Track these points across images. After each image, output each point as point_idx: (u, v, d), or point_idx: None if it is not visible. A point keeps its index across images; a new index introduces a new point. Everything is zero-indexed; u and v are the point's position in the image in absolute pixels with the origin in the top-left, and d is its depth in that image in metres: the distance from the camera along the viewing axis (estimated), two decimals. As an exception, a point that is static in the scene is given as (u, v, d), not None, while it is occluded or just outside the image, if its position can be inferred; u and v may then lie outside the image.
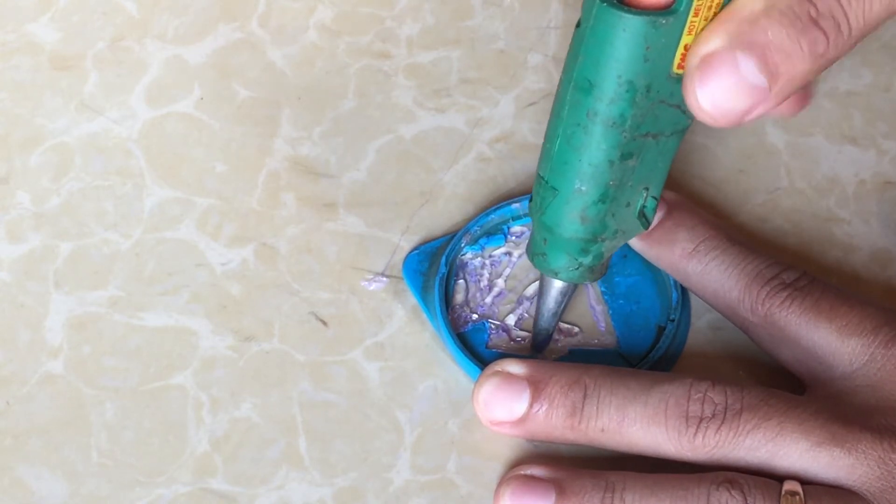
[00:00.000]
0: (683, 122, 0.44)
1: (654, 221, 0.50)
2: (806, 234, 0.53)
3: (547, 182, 0.45)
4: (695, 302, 0.51)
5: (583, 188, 0.44)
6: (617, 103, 0.42)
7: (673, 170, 0.55)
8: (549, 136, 0.45)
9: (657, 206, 0.46)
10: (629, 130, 0.43)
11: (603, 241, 0.46)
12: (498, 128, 0.56)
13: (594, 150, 0.43)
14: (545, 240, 0.47)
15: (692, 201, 0.52)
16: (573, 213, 0.45)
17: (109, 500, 0.47)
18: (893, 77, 0.57)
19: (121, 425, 0.49)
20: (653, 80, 0.41)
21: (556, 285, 0.48)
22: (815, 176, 0.55)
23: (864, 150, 0.55)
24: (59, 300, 0.51)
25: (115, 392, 0.49)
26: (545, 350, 0.50)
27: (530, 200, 0.47)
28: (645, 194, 0.45)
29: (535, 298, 0.50)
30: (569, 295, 0.49)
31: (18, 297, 0.51)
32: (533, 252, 0.48)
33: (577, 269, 0.47)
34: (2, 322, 0.51)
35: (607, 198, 0.45)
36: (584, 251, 0.46)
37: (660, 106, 0.42)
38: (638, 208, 0.46)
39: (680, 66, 0.41)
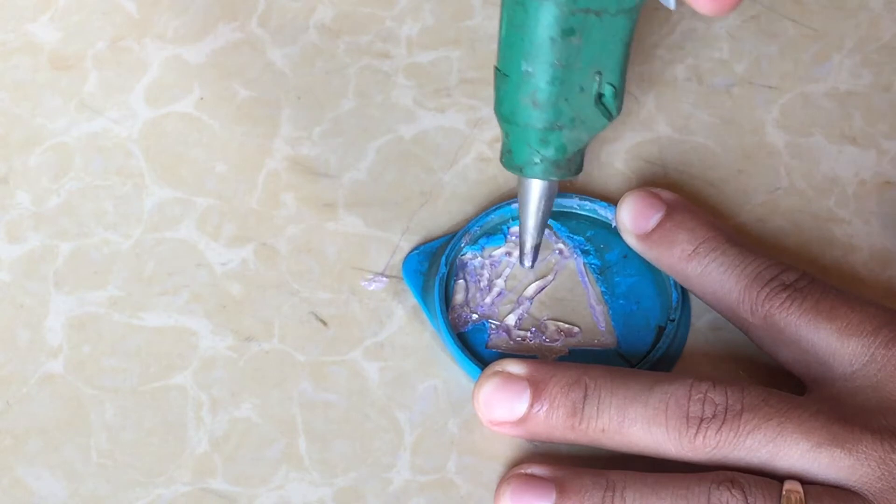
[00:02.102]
0: (627, 0, 0.44)
1: (653, 223, 0.50)
2: (806, 234, 0.53)
3: (499, 70, 0.46)
4: (695, 302, 0.51)
5: (530, 69, 0.45)
6: None
7: (673, 170, 0.55)
8: (499, 23, 0.46)
9: (617, 95, 0.47)
10: (565, 4, 0.44)
11: (560, 129, 0.46)
12: (498, 128, 0.55)
13: (534, 28, 0.44)
14: (507, 134, 0.48)
15: (692, 201, 0.52)
16: (525, 97, 0.46)
17: (109, 500, 0.47)
18: (893, 77, 0.57)
19: (120, 425, 0.49)
20: None
21: (531, 189, 0.48)
22: (815, 176, 0.55)
23: (864, 150, 0.55)
24: (59, 300, 0.51)
25: (114, 392, 0.49)
26: (535, 263, 0.51)
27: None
28: (599, 79, 0.46)
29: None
30: (545, 200, 0.49)
31: (18, 297, 0.51)
32: (501, 153, 0.48)
33: (541, 162, 0.47)
34: (2, 322, 0.51)
35: (556, 80, 0.45)
36: (544, 141, 0.47)
37: None
38: (594, 95, 0.46)
39: None
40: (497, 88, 0.47)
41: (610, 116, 0.46)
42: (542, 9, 0.44)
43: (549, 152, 0.47)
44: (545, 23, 0.44)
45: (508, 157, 0.48)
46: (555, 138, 0.47)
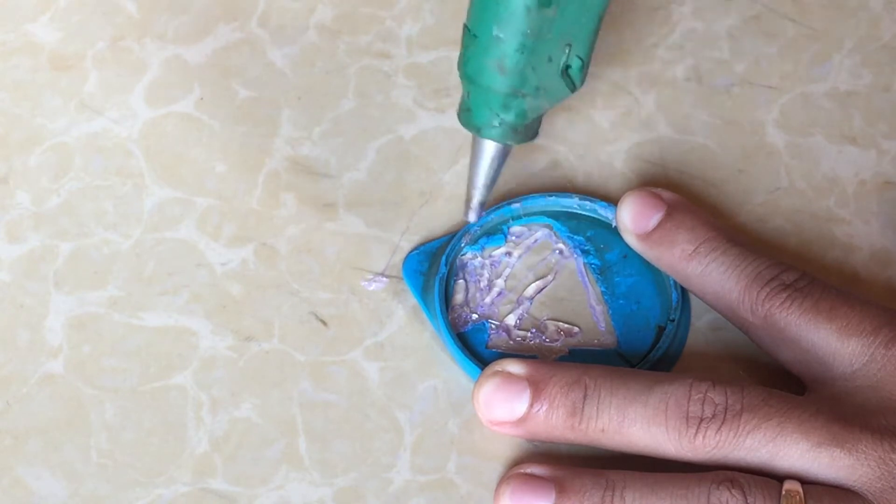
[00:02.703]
0: None
1: (653, 222, 0.50)
2: (806, 234, 0.53)
3: (469, 30, 0.46)
4: (695, 302, 0.51)
5: (500, 35, 0.45)
6: None
7: (673, 170, 0.55)
8: None
9: (583, 67, 0.47)
10: None
11: (524, 96, 0.46)
12: (498, 128, 0.55)
13: None
14: (468, 93, 0.47)
15: (692, 201, 0.52)
16: (492, 61, 0.46)
17: (109, 500, 0.47)
18: (893, 77, 0.57)
19: (121, 425, 0.49)
20: None
21: (486, 148, 0.48)
22: (815, 176, 0.55)
23: (864, 150, 0.55)
24: (59, 300, 0.51)
25: (114, 392, 0.49)
26: (480, 219, 0.50)
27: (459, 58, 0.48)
28: (568, 51, 0.46)
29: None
30: (498, 160, 0.49)
31: (18, 297, 0.51)
32: (460, 109, 0.48)
33: (500, 125, 0.47)
34: (2, 322, 0.51)
35: (525, 48, 0.45)
36: (505, 106, 0.47)
37: None
38: (561, 66, 0.46)
39: None
40: (465, 47, 0.47)
41: (574, 88, 0.46)
42: None
43: (510, 117, 0.47)
44: None
45: (467, 116, 0.48)
46: (517, 104, 0.47)
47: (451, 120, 0.56)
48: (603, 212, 0.52)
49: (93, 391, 0.49)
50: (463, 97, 0.48)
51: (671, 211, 0.50)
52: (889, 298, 0.51)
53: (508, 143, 0.48)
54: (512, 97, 0.46)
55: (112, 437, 0.49)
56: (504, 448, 0.48)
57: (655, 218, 0.50)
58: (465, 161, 0.55)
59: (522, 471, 0.46)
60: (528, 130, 0.48)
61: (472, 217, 0.50)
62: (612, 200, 0.52)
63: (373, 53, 0.58)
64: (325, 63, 0.57)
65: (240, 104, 0.56)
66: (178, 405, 0.49)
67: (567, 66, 0.46)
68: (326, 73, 0.57)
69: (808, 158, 0.55)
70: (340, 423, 0.49)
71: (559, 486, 0.45)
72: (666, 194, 0.51)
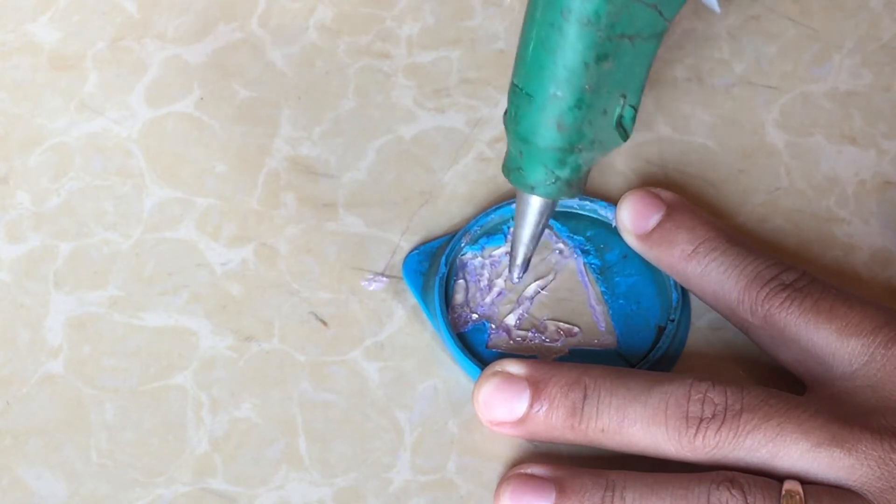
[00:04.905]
0: (660, 24, 0.43)
1: (653, 223, 0.50)
2: (806, 234, 0.53)
3: (522, 89, 0.45)
4: (695, 302, 0.51)
5: (558, 93, 0.44)
6: (591, 0, 0.42)
7: (673, 170, 0.55)
8: (524, 41, 0.44)
9: (635, 116, 0.46)
10: (604, 30, 0.43)
11: (580, 151, 0.45)
12: (498, 128, 0.55)
13: (569, 52, 0.43)
14: (521, 152, 0.46)
15: (692, 201, 0.52)
16: (549, 120, 0.45)
17: (109, 500, 0.47)
18: (893, 77, 0.57)
19: (121, 425, 0.49)
20: None
21: (535, 206, 0.48)
22: (815, 176, 0.55)
23: (864, 150, 0.55)
24: (59, 300, 0.51)
25: (114, 392, 0.49)
26: (523, 278, 0.50)
27: (505, 114, 0.46)
28: (622, 102, 0.45)
29: (513, 221, 0.50)
30: (547, 215, 0.48)
31: (18, 297, 0.51)
32: (509, 167, 0.47)
33: (555, 182, 0.46)
34: (2, 322, 0.51)
35: (583, 103, 0.44)
36: (561, 162, 0.46)
37: (635, 4, 0.42)
38: (615, 117, 0.45)
39: None
40: (517, 107, 0.45)
41: (626, 137, 0.46)
42: (581, 34, 0.43)
43: (565, 173, 0.46)
44: (581, 48, 0.43)
45: (518, 175, 0.47)
46: (572, 160, 0.46)
47: (451, 120, 0.56)
48: (603, 212, 0.52)
49: (93, 391, 0.49)
50: (511, 155, 0.47)
51: (671, 211, 0.50)
52: (889, 298, 0.51)
53: (563, 198, 0.47)
54: (568, 153, 0.45)
55: (112, 437, 0.49)
56: (504, 448, 0.48)
57: (655, 218, 0.50)
58: (465, 161, 0.55)
59: (522, 471, 0.46)
60: (580, 183, 0.47)
61: (515, 275, 0.50)
62: (612, 200, 0.52)
63: (373, 53, 0.58)
64: (325, 63, 0.57)
65: (240, 104, 0.56)
66: (178, 405, 0.49)
67: (621, 117, 0.45)
68: (326, 73, 0.57)
69: (808, 158, 0.55)
70: (340, 423, 0.49)
71: (559, 487, 0.45)
72: (665, 194, 0.51)
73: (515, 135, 0.46)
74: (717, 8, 0.44)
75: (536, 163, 0.46)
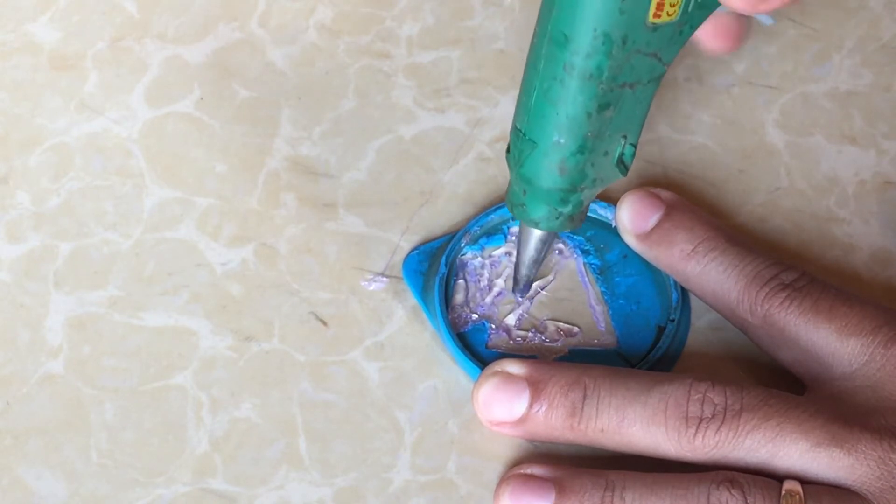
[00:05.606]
0: (659, 69, 0.44)
1: (652, 222, 0.50)
2: (806, 234, 0.53)
3: (525, 135, 0.45)
4: (695, 302, 0.51)
5: (561, 140, 0.45)
6: (594, 57, 0.42)
7: (673, 170, 0.55)
8: (526, 89, 0.45)
9: (635, 152, 0.46)
10: (606, 82, 0.43)
11: (582, 190, 0.46)
12: (498, 128, 0.55)
13: (571, 104, 0.44)
14: (524, 191, 0.47)
15: (692, 201, 0.52)
16: (552, 165, 0.45)
17: (109, 500, 0.47)
18: (893, 77, 0.57)
19: (121, 425, 0.49)
20: (629, 31, 0.42)
21: (537, 234, 0.49)
22: (815, 176, 0.55)
23: (864, 150, 0.55)
24: (59, 300, 0.51)
25: (114, 392, 0.50)
26: (526, 295, 0.51)
27: (507, 151, 0.47)
28: (623, 142, 0.46)
29: (516, 246, 0.50)
30: (549, 243, 0.49)
31: (18, 297, 0.51)
32: (512, 203, 0.48)
33: (558, 218, 0.47)
34: (2, 322, 0.51)
35: (586, 149, 0.45)
36: (564, 201, 0.46)
37: (636, 56, 0.42)
38: (616, 156, 0.46)
39: (656, 16, 0.41)
40: (520, 151, 0.46)
41: (626, 173, 0.46)
42: (583, 87, 0.43)
43: (567, 209, 0.47)
44: (583, 100, 0.43)
45: (522, 211, 0.47)
46: (574, 198, 0.46)
47: (451, 120, 0.56)
48: (602, 212, 0.52)
49: (93, 391, 0.50)
50: (514, 192, 0.47)
51: (670, 211, 0.50)
52: (889, 298, 0.51)
53: (565, 230, 0.48)
54: (571, 192, 0.46)
55: (112, 437, 0.49)
56: (504, 448, 0.48)
57: (654, 218, 0.50)
58: (465, 161, 0.55)
59: (522, 471, 0.46)
60: (582, 216, 0.48)
61: (519, 296, 0.51)
62: (612, 200, 0.52)
63: (373, 53, 0.58)
64: (325, 63, 0.57)
65: (240, 104, 0.56)
66: (178, 405, 0.49)
67: (622, 154, 0.46)
68: (326, 73, 0.57)
69: (808, 158, 0.55)
70: (340, 423, 0.49)
71: (559, 487, 0.45)
72: (665, 194, 0.51)
73: (519, 175, 0.47)
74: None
75: (540, 202, 0.47)
